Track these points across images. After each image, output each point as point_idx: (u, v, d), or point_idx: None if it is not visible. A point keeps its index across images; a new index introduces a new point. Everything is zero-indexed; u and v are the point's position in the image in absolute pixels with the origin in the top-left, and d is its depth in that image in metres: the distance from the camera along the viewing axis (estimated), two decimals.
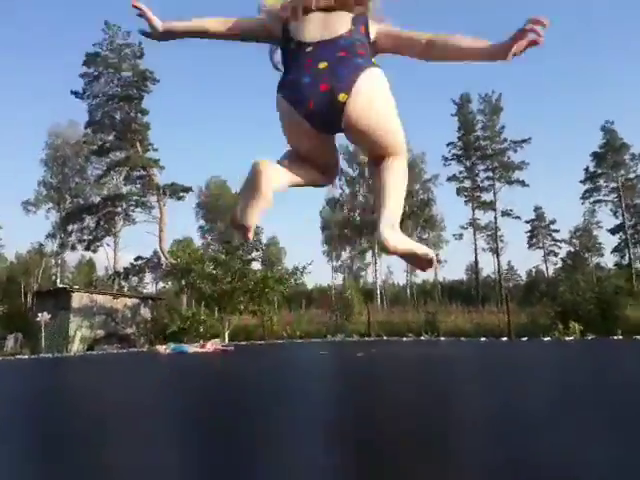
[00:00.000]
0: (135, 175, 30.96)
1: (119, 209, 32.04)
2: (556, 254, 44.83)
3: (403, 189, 1.60)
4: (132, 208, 31.86)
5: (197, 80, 65.64)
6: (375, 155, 1.56)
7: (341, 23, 1.51)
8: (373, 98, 1.41)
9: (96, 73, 30.68)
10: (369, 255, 40.52)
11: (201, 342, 3.32)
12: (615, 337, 5.28)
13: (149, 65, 30.98)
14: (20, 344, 17.47)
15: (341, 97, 1.35)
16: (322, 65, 1.40)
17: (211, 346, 3.37)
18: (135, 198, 31.17)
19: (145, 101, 30.73)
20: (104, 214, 31.51)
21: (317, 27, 1.50)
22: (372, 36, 1.54)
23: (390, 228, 1.46)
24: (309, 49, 1.47)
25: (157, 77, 30.80)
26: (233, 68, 65.95)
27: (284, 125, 1.49)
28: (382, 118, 1.46)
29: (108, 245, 33.74)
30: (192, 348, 3.33)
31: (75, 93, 30.87)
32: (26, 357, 4.92)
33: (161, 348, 3.28)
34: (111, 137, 30.84)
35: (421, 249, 1.53)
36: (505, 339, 6.26)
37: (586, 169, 40.55)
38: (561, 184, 67.26)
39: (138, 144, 29.88)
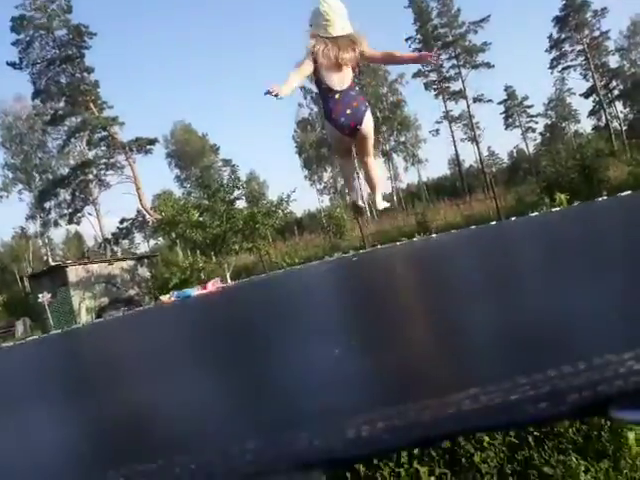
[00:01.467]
0: (97, 138, 29.96)
1: (90, 176, 31.30)
2: (534, 130, 44.72)
3: (382, 174, 2.92)
4: (103, 172, 31.16)
5: (139, 25, 61.74)
6: (362, 154, 2.91)
7: (348, 77, 2.63)
8: (370, 127, 2.69)
9: (28, 38, 28.78)
10: None
11: (200, 286, 3.37)
12: (600, 199, 5.39)
13: (81, 19, 29.09)
14: (30, 328, 17.72)
15: (359, 127, 2.62)
16: (348, 111, 2.58)
17: (212, 285, 3.42)
18: (103, 161, 30.39)
19: (88, 59, 29.14)
20: (77, 184, 30.84)
21: (339, 80, 2.59)
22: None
23: (382, 200, 3.22)
24: (337, 96, 2.58)
25: (93, 30, 29.00)
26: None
27: (334, 137, 2.72)
28: (371, 137, 2.76)
29: (90, 214, 33.31)
30: (195, 291, 3.39)
31: (12, 64, 29.07)
32: (38, 337, 5.02)
33: (165, 297, 3.32)
34: (62, 104, 29.50)
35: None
36: (494, 223, 6.38)
37: (550, 36, 39.52)
38: (527, 57, 65.83)
39: (92, 105, 28.67)
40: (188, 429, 0.88)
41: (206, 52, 66.44)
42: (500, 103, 43.33)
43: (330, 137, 2.73)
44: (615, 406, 0.58)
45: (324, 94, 2.59)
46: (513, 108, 44.34)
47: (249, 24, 66.17)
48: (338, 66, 2.54)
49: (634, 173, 13.30)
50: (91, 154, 31.34)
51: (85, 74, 29.12)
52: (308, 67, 2.55)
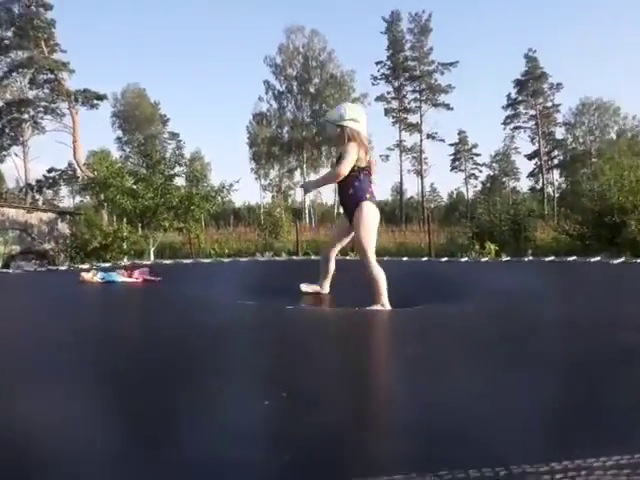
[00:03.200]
0: (42, 79, 28.12)
1: (26, 115, 29.30)
2: (476, 177, 46.89)
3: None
4: (41, 115, 29.29)
5: None
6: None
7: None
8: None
9: None
10: (298, 174, 40.30)
11: (126, 272, 3.10)
12: (526, 258, 5.65)
13: None
14: None
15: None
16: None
17: (139, 275, 3.19)
18: (43, 104, 28.55)
19: None
20: (9, 120, 28.75)
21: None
22: None
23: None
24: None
25: None
26: None
27: (377, 218, 2.83)
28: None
29: (17, 155, 31.14)
30: (121, 277, 3.14)
31: None
32: None
33: (87, 275, 3.05)
34: (10, 33, 27.44)
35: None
36: (425, 259, 6.52)
37: (508, 95, 41.72)
38: (485, 109, 69.07)
39: (43, 43, 26.91)
40: None
41: (179, 20, 64.52)
42: (451, 145, 45.15)
43: (375, 217, 2.81)
44: None
45: (364, 175, 2.82)
46: (462, 152, 46.27)
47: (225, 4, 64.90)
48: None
49: (558, 239, 14.19)
50: (31, 94, 29.35)
51: (42, 9, 27.28)
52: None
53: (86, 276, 3.36)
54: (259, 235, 17.41)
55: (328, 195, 54.14)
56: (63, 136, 27.85)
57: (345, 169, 2.73)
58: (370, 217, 2.77)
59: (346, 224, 2.92)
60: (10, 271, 5.14)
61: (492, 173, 46.33)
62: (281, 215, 16.74)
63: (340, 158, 2.82)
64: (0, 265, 11.79)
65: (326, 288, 3.05)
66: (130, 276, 3.40)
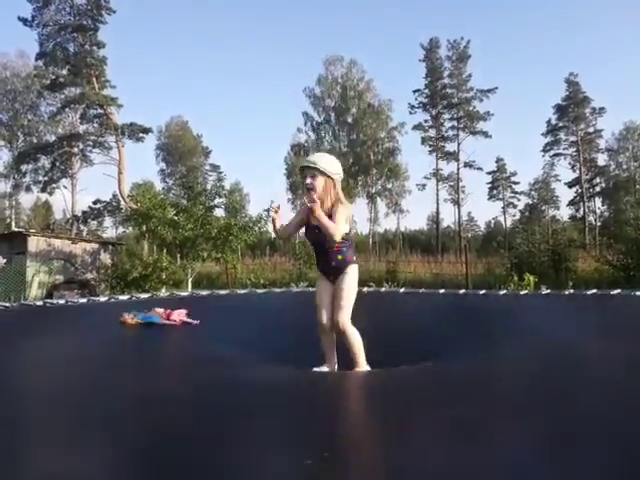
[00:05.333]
0: (92, 113, 29.51)
1: (76, 149, 30.70)
2: (515, 206, 46.02)
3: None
4: (89, 148, 30.62)
5: (157, 13, 61.98)
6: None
7: None
8: None
9: None
10: None
11: (165, 313, 3.22)
12: (567, 291, 5.52)
13: None
14: None
15: None
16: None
17: (177, 317, 3.30)
18: (92, 138, 29.88)
19: (101, 33, 28.90)
20: (60, 154, 30.16)
21: None
22: None
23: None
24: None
25: (113, 7, 28.91)
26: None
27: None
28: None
29: (65, 187, 32.54)
30: (160, 319, 3.24)
31: (23, 20, 28.61)
32: None
33: (128, 317, 3.18)
34: (65, 71, 29.04)
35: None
36: (463, 291, 6.45)
37: (548, 121, 41.13)
38: (524, 136, 68.16)
39: (94, 80, 28.32)
40: None
41: (218, 54, 66.90)
42: (489, 173, 44.62)
43: (357, 279, 2.82)
44: None
45: (350, 240, 2.82)
46: (500, 181, 45.64)
47: (269, 41, 67.01)
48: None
49: (600, 270, 13.74)
50: (82, 128, 30.82)
51: (95, 48, 28.82)
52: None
53: (127, 318, 3.47)
54: (294, 265, 17.53)
55: (363, 225, 54.25)
56: (109, 168, 29.00)
57: (341, 233, 2.65)
58: (356, 280, 2.79)
59: (329, 288, 2.80)
60: (54, 302, 5.36)
61: (531, 201, 45.44)
62: None
63: (332, 217, 2.66)
64: (44, 294, 12.26)
65: (334, 361, 2.86)
66: (168, 318, 3.47)
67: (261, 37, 67.24)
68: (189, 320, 3.53)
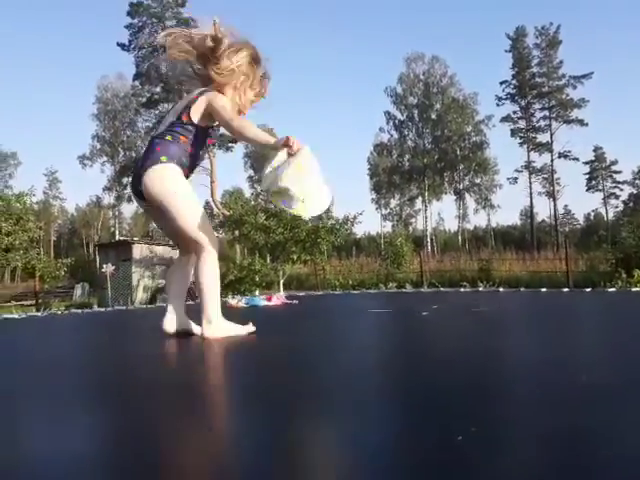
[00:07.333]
0: None
1: None
2: (617, 197, 42.83)
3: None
4: None
5: (243, 29, 64.16)
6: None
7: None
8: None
9: (140, 23, 30.64)
10: (419, 202, 39.91)
11: (266, 296, 3.58)
12: None
13: (192, 13, 30.66)
14: (87, 293, 18.56)
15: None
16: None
17: (277, 300, 3.59)
18: None
19: None
20: None
21: None
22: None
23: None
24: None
25: (199, 25, 30.40)
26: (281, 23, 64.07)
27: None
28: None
29: None
30: (262, 302, 3.56)
31: (121, 45, 31.02)
32: (102, 309, 5.22)
33: (233, 301, 3.51)
34: (158, 89, 31.04)
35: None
36: (566, 290, 6.06)
37: None
38: (624, 122, 63.22)
39: (185, 95, 29.96)
40: None
41: (301, 59, 68.11)
42: (586, 163, 41.90)
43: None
44: None
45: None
46: (599, 171, 42.71)
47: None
48: None
49: None
50: None
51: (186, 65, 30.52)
52: None
53: (232, 302, 3.77)
54: (380, 265, 17.43)
55: (451, 222, 52.92)
56: (201, 178, 30.51)
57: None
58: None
59: None
60: (153, 305, 5.72)
61: (636, 191, 42.00)
62: (402, 244, 16.59)
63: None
64: (148, 297, 13.13)
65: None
66: (270, 299, 3.77)
67: (342, 39, 67.73)
68: (288, 301, 3.78)
